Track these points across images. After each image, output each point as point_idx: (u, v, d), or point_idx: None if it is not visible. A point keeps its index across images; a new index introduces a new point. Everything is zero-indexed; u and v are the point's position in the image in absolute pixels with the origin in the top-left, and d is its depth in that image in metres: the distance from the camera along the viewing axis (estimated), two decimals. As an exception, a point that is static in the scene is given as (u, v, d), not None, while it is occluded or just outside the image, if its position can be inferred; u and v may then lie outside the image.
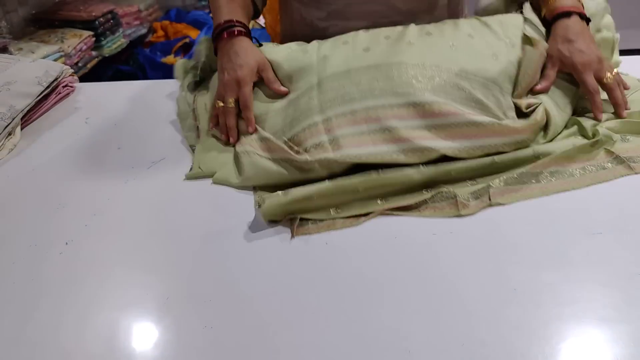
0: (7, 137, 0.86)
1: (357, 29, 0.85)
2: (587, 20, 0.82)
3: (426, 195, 0.66)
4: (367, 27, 0.85)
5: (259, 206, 0.65)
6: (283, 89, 0.80)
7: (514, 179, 0.67)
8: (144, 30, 2.53)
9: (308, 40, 0.86)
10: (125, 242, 0.65)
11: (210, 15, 0.93)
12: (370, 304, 0.54)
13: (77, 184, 0.77)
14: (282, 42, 0.93)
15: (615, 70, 0.79)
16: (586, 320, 0.51)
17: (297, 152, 0.71)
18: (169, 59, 2.38)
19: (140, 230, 0.67)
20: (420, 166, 0.68)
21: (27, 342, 0.53)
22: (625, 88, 0.81)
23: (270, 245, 0.63)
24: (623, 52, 0.92)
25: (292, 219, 0.65)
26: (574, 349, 0.48)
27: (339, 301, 0.55)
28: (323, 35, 0.87)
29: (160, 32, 2.61)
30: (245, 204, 0.70)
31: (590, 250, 0.58)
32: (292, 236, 0.63)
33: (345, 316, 0.53)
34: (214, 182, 0.74)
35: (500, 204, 0.65)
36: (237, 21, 0.84)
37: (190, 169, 0.77)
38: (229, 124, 0.79)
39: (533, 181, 0.67)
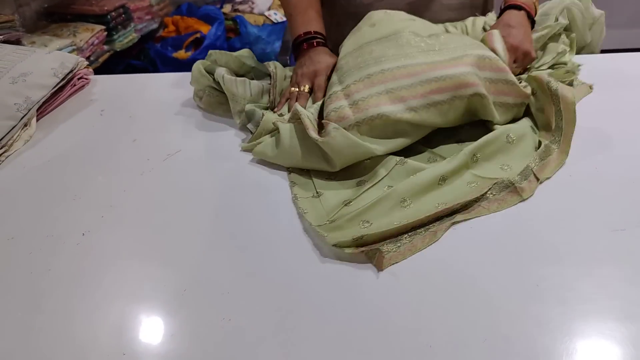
0: (22, 128, 0.86)
1: (400, 7, 0.90)
2: (533, 22, 0.90)
3: (484, 189, 0.65)
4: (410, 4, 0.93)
5: (308, 220, 0.64)
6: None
7: (544, 152, 0.69)
8: (155, 25, 2.53)
9: (353, 25, 0.88)
10: (142, 233, 0.65)
11: (284, 17, 1.01)
12: (392, 299, 0.53)
13: (92, 176, 0.76)
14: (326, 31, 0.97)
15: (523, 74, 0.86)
16: (610, 318, 0.50)
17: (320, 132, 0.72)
18: (180, 53, 2.38)
19: (157, 222, 0.67)
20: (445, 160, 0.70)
21: (44, 331, 0.53)
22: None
23: (289, 238, 0.62)
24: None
25: (371, 251, 0.59)
26: (597, 347, 0.47)
27: (360, 295, 0.54)
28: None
29: (172, 27, 2.61)
30: (262, 196, 0.69)
31: (614, 246, 0.57)
32: (380, 270, 0.57)
33: (367, 311, 0.52)
34: (254, 155, 0.77)
35: (547, 178, 0.67)
36: (314, 32, 0.90)
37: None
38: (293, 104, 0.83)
39: (555, 147, 0.70)
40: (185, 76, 1.04)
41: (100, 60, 2.17)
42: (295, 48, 0.91)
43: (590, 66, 0.93)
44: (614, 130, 0.76)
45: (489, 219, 0.62)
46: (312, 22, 0.91)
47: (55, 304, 0.56)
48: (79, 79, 1.00)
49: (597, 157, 0.71)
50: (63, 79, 0.96)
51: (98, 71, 2.18)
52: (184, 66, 2.28)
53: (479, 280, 0.55)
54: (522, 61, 0.86)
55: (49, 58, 0.97)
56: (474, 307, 0.52)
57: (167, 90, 1.00)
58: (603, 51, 1.02)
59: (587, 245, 0.58)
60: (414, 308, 0.52)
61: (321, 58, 0.87)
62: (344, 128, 0.70)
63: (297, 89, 0.85)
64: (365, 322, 0.51)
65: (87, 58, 2.07)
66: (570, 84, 0.85)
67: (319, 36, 0.90)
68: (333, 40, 0.93)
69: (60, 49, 1.91)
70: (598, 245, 0.57)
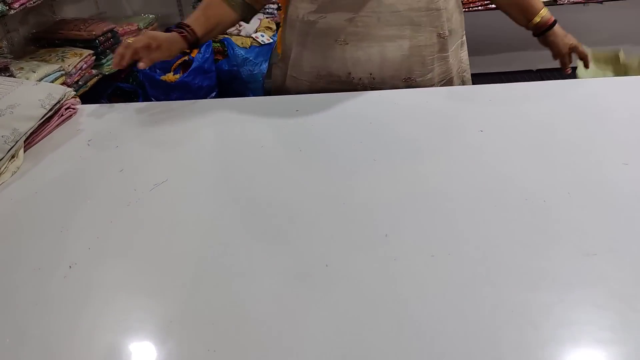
0: (10, 160, 0.87)
1: (343, 20, 1.00)
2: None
3: None
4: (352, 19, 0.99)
5: None
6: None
7: None
8: (143, 48, 2.56)
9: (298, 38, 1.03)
10: (129, 265, 0.66)
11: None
12: (370, 325, 0.55)
13: (80, 207, 0.77)
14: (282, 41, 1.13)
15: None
16: (583, 342, 0.51)
17: None
18: (169, 76, 2.40)
19: (143, 253, 0.68)
20: None
21: (32, 367, 0.53)
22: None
23: (270, 269, 0.63)
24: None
25: None
26: (571, 371, 0.49)
27: (340, 324, 0.55)
28: (312, 28, 1.02)
29: (160, 50, 2.63)
30: (250, 225, 0.71)
31: (586, 271, 0.59)
32: None
33: (348, 318, 0.54)
34: None
35: None
36: (186, 25, 1.02)
37: None
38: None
39: None
40: (172, 105, 1.06)
41: (89, 84, 2.18)
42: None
43: (571, 91, 0.97)
44: (588, 157, 0.78)
45: (465, 247, 0.64)
46: (194, 19, 1.04)
47: (41, 337, 0.57)
48: (66, 109, 1.01)
49: (570, 183, 0.73)
50: (50, 110, 0.97)
51: (87, 95, 2.20)
52: (173, 89, 2.30)
53: (455, 306, 0.56)
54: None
55: (36, 89, 0.98)
56: (449, 334, 0.53)
57: (154, 119, 1.01)
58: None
59: (560, 270, 0.59)
60: (389, 334, 0.53)
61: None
62: None
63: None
64: (352, 334, 0.52)
65: (76, 82, 2.09)
66: None
67: (185, 27, 1.02)
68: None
69: (48, 74, 1.92)
70: (571, 270, 0.59)
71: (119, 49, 0.96)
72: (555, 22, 1.12)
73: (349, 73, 1.04)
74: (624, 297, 0.55)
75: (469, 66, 1.17)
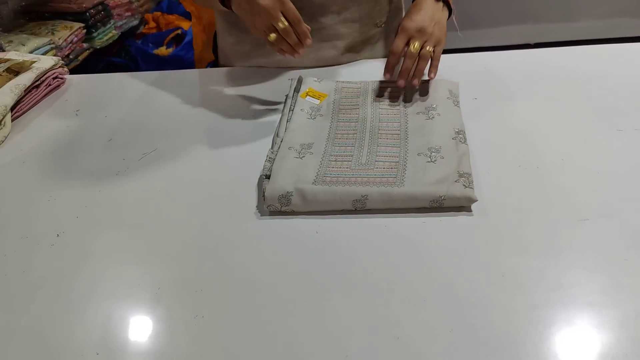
0: (-3, 129, 0.86)
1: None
2: (449, 9, 0.88)
3: None
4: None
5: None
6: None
7: None
8: (135, 22, 2.51)
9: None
10: (117, 233, 0.66)
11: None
12: (360, 292, 0.55)
13: (68, 176, 0.76)
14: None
15: (433, 48, 0.82)
16: (573, 306, 0.51)
17: None
18: (162, 50, 2.37)
19: (131, 221, 0.67)
20: None
21: (20, 334, 0.53)
22: (429, 75, 0.83)
23: (260, 236, 0.63)
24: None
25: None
26: (561, 334, 0.49)
27: (328, 290, 0.55)
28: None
29: (152, 24, 2.59)
30: (237, 195, 0.70)
31: (578, 236, 0.59)
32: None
33: (335, 305, 0.53)
34: None
35: None
36: None
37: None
38: (294, 42, 0.76)
39: None
40: (161, 75, 1.04)
41: (80, 58, 2.15)
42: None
43: (567, 59, 0.95)
44: (582, 123, 0.77)
45: (456, 213, 0.63)
46: None
47: (29, 305, 0.56)
48: (54, 78, 1.00)
49: (564, 149, 0.72)
50: (38, 79, 0.96)
51: (78, 69, 2.17)
52: (166, 63, 2.27)
53: (446, 272, 0.56)
54: (415, 38, 0.82)
55: (24, 58, 0.97)
56: (440, 299, 0.53)
57: (143, 89, 1.00)
58: (587, 42, 1.03)
59: (551, 235, 0.59)
60: (381, 301, 0.53)
61: None
62: None
63: (274, 34, 0.75)
64: (334, 315, 0.52)
65: (67, 56, 2.06)
66: None
67: None
68: None
69: (38, 48, 1.90)
70: (562, 235, 0.59)
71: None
72: None
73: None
74: (614, 262, 0.55)
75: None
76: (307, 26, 0.76)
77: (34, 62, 0.98)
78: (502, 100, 0.83)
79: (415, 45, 0.81)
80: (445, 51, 1.05)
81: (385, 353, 0.48)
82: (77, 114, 0.93)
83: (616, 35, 2.63)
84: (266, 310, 0.53)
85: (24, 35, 1.99)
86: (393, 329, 0.50)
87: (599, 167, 0.68)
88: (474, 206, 0.64)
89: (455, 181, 0.64)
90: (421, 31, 0.82)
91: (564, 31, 2.73)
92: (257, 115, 0.88)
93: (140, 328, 0.53)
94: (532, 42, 2.92)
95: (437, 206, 0.63)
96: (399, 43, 0.82)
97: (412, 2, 0.89)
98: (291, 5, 0.74)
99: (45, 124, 0.91)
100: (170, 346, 0.51)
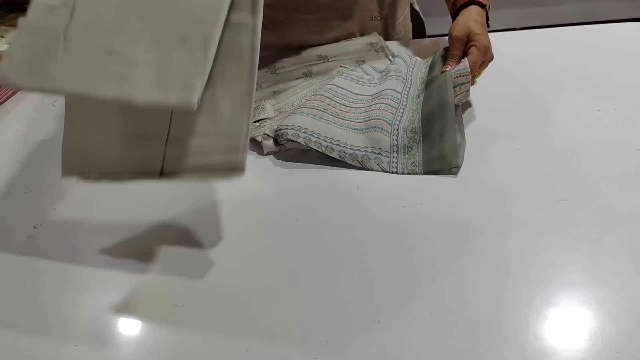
0: (-28, 122, 0.84)
1: None
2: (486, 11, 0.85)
3: None
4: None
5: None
6: None
7: None
8: (117, 12, 2.48)
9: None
10: (94, 223, 0.65)
11: None
12: (340, 275, 0.54)
13: (44, 168, 0.75)
14: None
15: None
16: (552, 285, 0.51)
17: None
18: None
19: (109, 211, 0.66)
20: None
21: (-5, 326, 0.52)
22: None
23: (239, 221, 0.62)
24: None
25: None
26: (540, 314, 0.49)
27: (308, 274, 0.55)
28: None
29: (135, 14, 2.56)
30: (216, 183, 0.69)
31: (557, 216, 0.59)
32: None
33: (315, 289, 0.53)
34: None
35: None
36: None
37: None
38: None
39: None
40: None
41: (61, 49, 2.12)
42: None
43: (548, 40, 0.95)
44: (562, 104, 0.77)
45: (436, 196, 0.63)
46: None
47: (5, 298, 0.55)
48: (30, 69, 0.98)
49: (544, 131, 0.72)
50: (13, 70, 0.94)
51: (60, 61, 2.13)
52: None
53: (427, 254, 0.56)
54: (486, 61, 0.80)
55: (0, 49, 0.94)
56: (420, 281, 0.53)
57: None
58: (572, 24, 1.02)
59: (531, 216, 0.59)
60: (361, 284, 0.53)
61: None
62: None
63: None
64: (313, 300, 0.52)
65: (47, 48, 2.02)
66: None
67: None
68: None
69: (17, 39, 1.86)
70: (542, 216, 0.59)
71: None
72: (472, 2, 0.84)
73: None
74: (594, 242, 0.55)
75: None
76: None
77: (9, 52, 0.96)
78: (483, 82, 0.83)
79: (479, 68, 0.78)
80: (432, 35, 1.05)
81: (365, 337, 0.48)
82: (54, 105, 0.91)
83: (600, 18, 2.64)
84: (246, 298, 0.53)
85: (3, 27, 1.94)
86: (373, 313, 0.50)
87: (579, 148, 0.68)
88: (454, 188, 0.64)
89: None
90: (487, 52, 0.78)
91: (549, 15, 2.73)
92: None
93: (118, 319, 0.53)
94: (517, 26, 2.92)
95: None
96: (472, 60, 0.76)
97: (459, 7, 0.84)
98: None
99: (22, 115, 0.89)
100: (148, 335, 0.50)
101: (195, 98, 0.47)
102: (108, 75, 0.49)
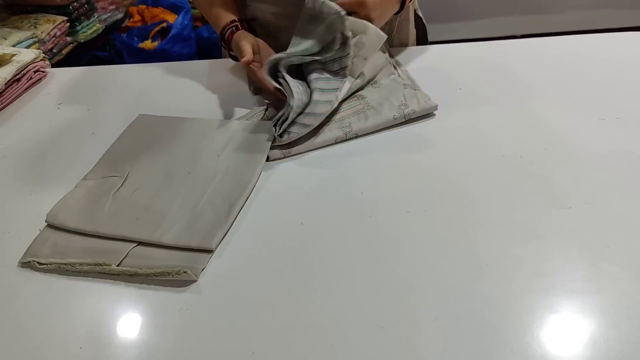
0: (-23, 124, 0.85)
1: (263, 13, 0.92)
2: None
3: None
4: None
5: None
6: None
7: None
8: (120, 15, 2.48)
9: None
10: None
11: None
12: (344, 280, 0.55)
13: (50, 170, 0.76)
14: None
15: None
16: (555, 293, 0.52)
17: None
18: (147, 44, 2.34)
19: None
20: None
21: (4, 328, 0.53)
22: None
23: (244, 225, 0.63)
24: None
25: None
26: (543, 321, 0.49)
27: (313, 279, 0.55)
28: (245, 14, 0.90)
29: (137, 17, 2.56)
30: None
31: (560, 224, 0.59)
32: None
33: (320, 293, 0.53)
34: None
35: None
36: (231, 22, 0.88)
37: None
38: None
39: None
40: (143, 67, 1.03)
41: (64, 52, 2.12)
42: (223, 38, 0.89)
43: (550, 48, 0.96)
44: (565, 112, 0.78)
45: (440, 203, 0.63)
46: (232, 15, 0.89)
47: (9, 300, 0.56)
48: (35, 71, 0.98)
49: (547, 138, 0.72)
50: (19, 72, 0.94)
51: (62, 63, 2.14)
52: (151, 56, 2.25)
53: (430, 261, 0.56)
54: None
55: (5, 52, 0.95)
56: (424, 287, 0.53)
57: (125, 82, 0.99)
58: (572, 33, 1.03)
59: (534, 223, 0.59)
60: (366, 290, 0.53)
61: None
62: None
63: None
64: (317, 303, 0.52)
65: (50, 50, 2.03)
66: None
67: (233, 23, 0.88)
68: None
69: (21, 42, 1.87)
70: (545, 223, 0.59)
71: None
72: None
73: None
74: (597, 250, 0.56)
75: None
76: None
77: (15, 55, 0.97)
78: (486, 90, 0.83)
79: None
80: (432, 42, 1.06)
81: (370, 342, 0.48)
82: (59, 108, 0.91)
83: (600, 26, 2.65)
84: (247, 301, 0.53)
85: (6, 29, 1.95)
86: (378, 318, 0.50)
87: (582, 155, 0.69)
88: (457, 196, 0.64)
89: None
90: (362, 5, 0.78)
91: (550, 23, 2.74)
92: (246, 102, 0.87)
93: (124, 321, 0.53)
94: (518, 34, 2.93)
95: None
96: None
97: None
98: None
99: (27, 117, 0.90)
100: (155, 339, 0.51)
101: (214, 244, 0.58)
102: (143, 222, 0.62)
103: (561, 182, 0.65)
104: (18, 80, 0.95)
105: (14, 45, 1.83)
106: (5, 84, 0.91)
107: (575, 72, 0.88)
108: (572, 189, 0.64)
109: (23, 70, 0.96)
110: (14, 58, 0.96)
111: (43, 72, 1.00)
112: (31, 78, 0.97)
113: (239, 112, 0.85)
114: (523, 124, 0.76)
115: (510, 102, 0.81)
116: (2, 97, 0.91)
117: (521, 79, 0.87)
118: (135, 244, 0.60)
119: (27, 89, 0.97)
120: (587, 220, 0.59)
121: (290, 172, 0.71)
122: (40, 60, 1.01)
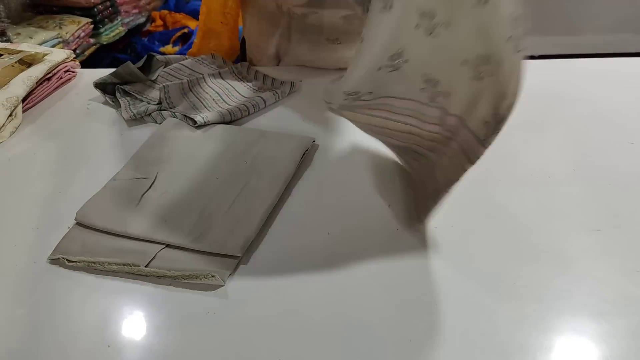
0: (8, 119, 0.86)
1: (338, 18, 0.91)
2: None
3: None
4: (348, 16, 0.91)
5: None
6: None
7: None
8: (142, 19, 2.52)
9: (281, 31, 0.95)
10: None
11: None
12: (373, 293, 0.55)
13: (78, 168, 0.77)
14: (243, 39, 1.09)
15: None
16: (584, 314, 0.52)
17: None
18: (167, 48, 2.37)
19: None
20: None
21: (27, 324, 0.53)
22: None
23: (270, 234, 0.63)
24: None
25: None
26: (571, 343, 0.49)
27: (340, 290, 0.55)
28: (302, 23, 0.93)
29: (159, 22, 2.60)
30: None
31: (589, 246, 0.59)
32: None
33: (347, 305, 0.54)
34: None
35: None
36: None
37: None
38: None
39: None
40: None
41: (87, 53, 2.16)
42: None
43: (571, 70, 0.96)
44: (594, 134, 0.78)
45: (468, 219, 0.64)
46: None
47: (39, 296, 0.56)
48: (65, 71, 1.00)
49: (575, 160, 0.72)
50: (50, 72, 0.96)
51: (84, 64, 2.15)
52: (171, 61, 2.27)
53: (458, 277, 0.56)
54: None
55: (37, 50, 0.97)
56: (453, 304, 0.53)
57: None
58: (591, 55, 1.04)
59: (563, 244, 0.59)
60: (395, 303, 0.53)
61: None
62: None
63: None
64: (347, 317, 0.52)
65: (73, 51, 2.06)
66: None
67: None
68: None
69: (46, 41, 1.90)
70: (574, 245, 0.59)
71: None
72: None
73: (339, 68, 0.99)
74: (625, 272, 0.56)
75: None
76: None
77: (47, 54, 0.98)
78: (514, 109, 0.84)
79: None
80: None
81: (397, 355, 0.48)
82: (88, 108, 0.93)
83: (619, 50, 2.65)
84: (275, 309, 0.54)
85: (32, 28, 1.99)
86: (406, 332, 0.50)
87: (610, 178, 0.69)
88: (485, 214, 0.64)
89: None
90: None
91: (568, 45, 2.74)
92: (269, 112, 0.88)
93: (152, 322, 0.53)
94: (536, 54, 2.93)
95: None
96: None
97: None
98: None
99: (57, 116, 0.91)
100: (183, 341, 0.51)
101: (241, 250, 0.59)
102: (172, 225, 0.63)
103: (589, 204, 0.65)
104: (49, 79, 0.96)
105: (39, 45, 1.86)
106: (37, 83, 0.93)
107: (604, 93, 0.88)
108: (600, 211, 0.64)
109: (54, 69, 0.97)
110: (46, 57, 0.97)
111: (73, 72, 1.02)
112: (61, 78, 0.99)
113: (268, 119, 0.86)
114: (550, 144, 0.76)
115: (536, 122, 0.81)
116: (33, 95, 0.93)
117: (548, 100, 0.87)
118: (163, 246, 0.61)
119: (56, 88, 0.98)
120: (616, 244, 0.59)
121: (318, 182, 0.72)
122: (71, 60, 1.02)
